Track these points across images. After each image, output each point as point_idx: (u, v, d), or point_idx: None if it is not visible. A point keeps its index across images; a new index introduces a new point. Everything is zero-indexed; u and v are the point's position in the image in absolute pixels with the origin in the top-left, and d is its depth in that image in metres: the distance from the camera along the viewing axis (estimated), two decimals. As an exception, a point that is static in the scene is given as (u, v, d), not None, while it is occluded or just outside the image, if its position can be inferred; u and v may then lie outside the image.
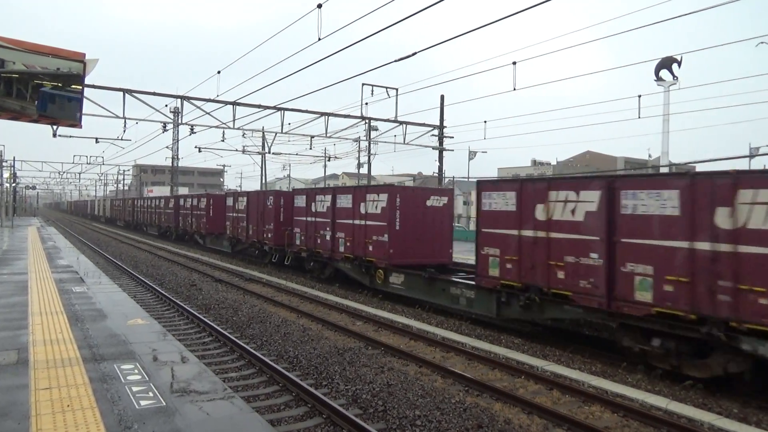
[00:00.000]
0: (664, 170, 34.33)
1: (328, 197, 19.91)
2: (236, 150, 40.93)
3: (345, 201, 18.94)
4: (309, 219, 21.01)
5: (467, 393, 8.77)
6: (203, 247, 34.59)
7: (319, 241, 20.38)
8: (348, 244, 18.58)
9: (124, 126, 24.55)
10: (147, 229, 49.56)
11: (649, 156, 77.51)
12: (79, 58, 11.91)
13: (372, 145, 40.57)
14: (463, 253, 23.17)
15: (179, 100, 24.65)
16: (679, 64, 38.64)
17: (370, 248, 17.43)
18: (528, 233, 11.94)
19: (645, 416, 7.76)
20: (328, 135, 28.02)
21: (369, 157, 44.41)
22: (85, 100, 13.73)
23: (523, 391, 8.93)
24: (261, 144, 41.52)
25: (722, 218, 8.66)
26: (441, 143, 30.86)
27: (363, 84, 25.32)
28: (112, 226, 64.04)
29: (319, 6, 13.69)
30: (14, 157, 56.92)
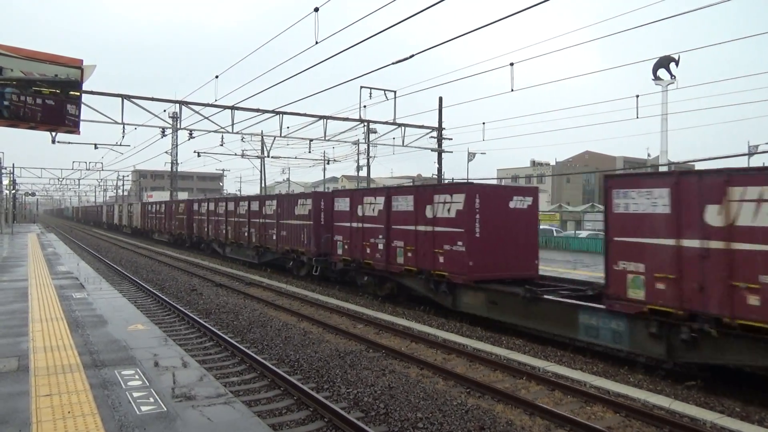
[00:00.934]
0: (663, 169, 34.38)
1: None
2: (235, 154, 41.11)
3: None
4: None
5: (469, 395, 8.76)
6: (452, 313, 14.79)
7: None
8: None
9: (123, 131, 24.58)
10: (225, 250, 30.60)
11: (648, 155, 77.59)
12: (77, 65, 11.93)
13: (371, 148, 40.60)
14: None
15: (178, 105, 24.67)
16: (677, 63, 38.71)
17: None
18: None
19: (647, 416, 7.74)
20: (327, 138, 28.03)
21: (368, 160, 44.44)
22: (83, 105, 13.76)
23: (525, 392, 8.92)
24: (260, 148, 41.57)
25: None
26: (440, 145, 30.88)
27: (361, 87, 25.36)
28: (145, 240, 46.67)
29: (316, 9, 13.71)
30: (13, 164, 56.98)
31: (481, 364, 10.41)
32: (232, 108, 24.23)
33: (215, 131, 25.88)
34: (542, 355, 10.91)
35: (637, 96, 24.77)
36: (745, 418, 7.78)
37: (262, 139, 39.63)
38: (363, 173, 48.30)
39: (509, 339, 12.27)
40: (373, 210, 17.12)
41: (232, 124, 24.96)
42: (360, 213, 17.71)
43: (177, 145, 51.15)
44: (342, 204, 18.95)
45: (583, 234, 39.05)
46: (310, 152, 32.20)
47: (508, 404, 8.32)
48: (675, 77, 39.22)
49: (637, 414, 7.84)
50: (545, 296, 11.96)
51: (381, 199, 16.80)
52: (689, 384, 9.05)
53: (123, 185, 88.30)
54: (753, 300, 8.27)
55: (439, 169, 31.74)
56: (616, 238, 10.11)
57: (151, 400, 5.95)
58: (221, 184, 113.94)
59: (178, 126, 27.87)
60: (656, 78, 39.74)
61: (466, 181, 23.47)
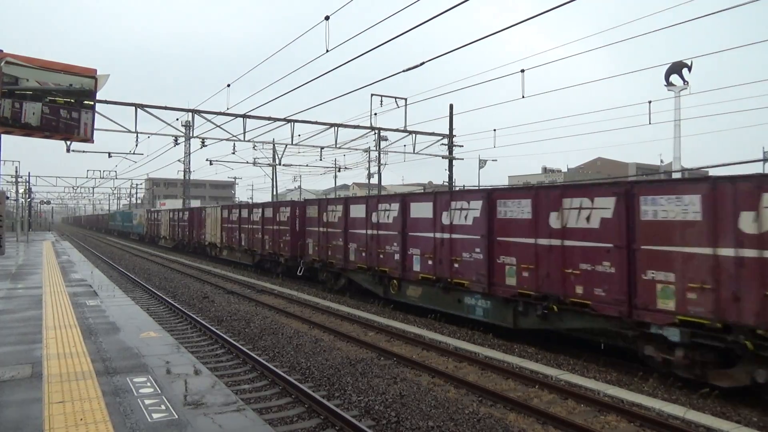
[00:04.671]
0: (676, 175, 34.07)
1: None
2: (247, 162, 41.25)
3: None
4: None
5: (481, 403, 8.70)
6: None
7: None
8: None
9: (136, 140, 24.77)
10: None
11: (661, 161, 77.01)
12: (91, 74, 12.06)
13: (382, 155, 40.65)
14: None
15: (190, 113, 24.88)
16: (689, 68, 38.45)
17: None
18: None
19: (662, 425, 7.64)
20: (338, 146, 28.12)
21: (379, 167, 44.47)
22: (97, 115, 13.90)
23: (538, 401, 8.83)
24: (272, 156, 41.79)
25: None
26: (451, 152, 30.85)
27: (372, 94, 25.42)
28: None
29: (327, 18, 13.79)
30: (29, 173, 57.61)
31: (493, 373, 10.33)
32: (244, 116, 24.39)
33: (227, 139, 26.07)
34: (555, 364, 10.81)
35: (650, 102, 24.59)
36: (763, 429, 7.64)
37: (274, 147, 39.88)
38: (374, 181, 48.36)
39: (521, 347, 12.17)
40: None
41: (244, 132, 25.11)
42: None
43: (189, 154, 51.54)
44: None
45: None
46: (321, 160, 32.25)
47: (520, 413, 8.25)
48: (687, 83, 38.97)
49: (651, 423, 7.74)
50: None
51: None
52: (704, 392, 8.92)
53: (136, 193, 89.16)
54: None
55: (450, 176, 31.69)
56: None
57: (163, 407, 5.96)
58: (233, 191, 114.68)
59: (191, 134, 28.12)
60: (669, 83, 39.52)
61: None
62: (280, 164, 36.92)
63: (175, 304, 17.29)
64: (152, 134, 25.07)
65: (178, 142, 27.53)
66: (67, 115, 11.81)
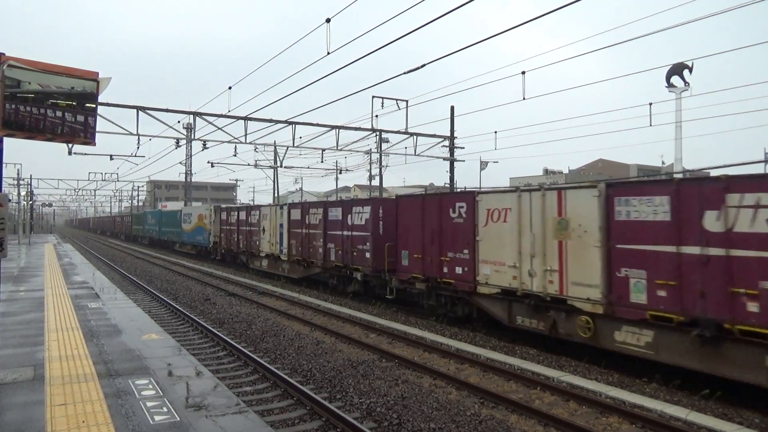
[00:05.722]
0: (678, 177, 34.04)
1: None
2: (248, 164, 41.26)
3: None
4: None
5: (482, 405, 8.69)
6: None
7: None
8: None
9: (138, 142, 24.80)
10: None
11: (663, 163, 76.96)
12: (93, 77, 12.05)
13: (383, 157, 40.64)
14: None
15: (192, 116, 24.93)
16: (690, 70, 38.44)
17: None
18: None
19: (664, 427, 7.63)
20: (339, 148, 28.14)
21: (380, 169, 44.46)
22: (99, 117, 13.93)
23: (539, 402, 8.82)
24: (273, 158, 41.81)
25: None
26: (452, 154, 30.85)
27: (373, 96, 25.45)
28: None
29: (328, 20, 13.81)
30: (31, 175, 57.70)
31: (494, 374, 10.33)
32: (245, 118, 24.42)
33: (228, 142, 26.10)
34: (556, 365, 10.80)
35: (651, 103, 24.60)
36: (765, 430, 7.64)
37: (275, 149, 39.86)
38: (375, 182, 48.36)
39: (523, 349, 12.17)
40: None
41: (245, 135, 25.14)
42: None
43: (191, 156, 51.57)
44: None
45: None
46: (322, 162, 32.29)
47: (522, 415, 8.24)
48: (689, 84, 38.99)
49: (653, 425, 7.73)
50: None
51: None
52: (705, 393, 8.91)
53: (138, 195, 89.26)
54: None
55: (452, 178, 31.68)
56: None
57: (165, 409, 5.97)
58: (234, 194, 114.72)
59: (192, 137, 28.15)
60: (670, 85, 39.54)
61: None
62: (281, 166, 36.94)
63: (177, 307, 17.30)
64: (154, 137, 25.13)
65: (180, 144, 27.59)
66: (73, 118, 11.84)
